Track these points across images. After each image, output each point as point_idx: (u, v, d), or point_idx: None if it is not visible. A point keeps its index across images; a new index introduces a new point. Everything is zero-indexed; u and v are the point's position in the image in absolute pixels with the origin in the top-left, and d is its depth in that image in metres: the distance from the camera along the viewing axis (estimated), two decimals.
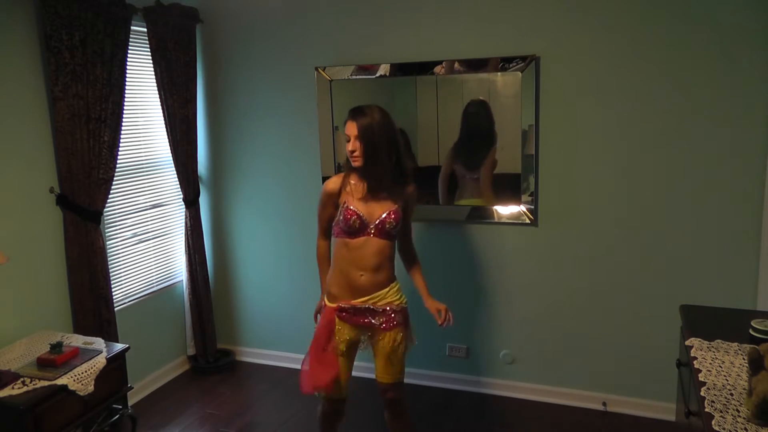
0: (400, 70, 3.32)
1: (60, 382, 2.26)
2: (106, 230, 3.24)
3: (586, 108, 3.06)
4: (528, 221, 3.22)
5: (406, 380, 2.54)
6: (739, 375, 1.73)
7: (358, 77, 3.41)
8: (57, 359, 2.35)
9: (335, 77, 3.45)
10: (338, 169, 3.46)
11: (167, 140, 3.54)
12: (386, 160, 2.34)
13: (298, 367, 2.54)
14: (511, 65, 3.10)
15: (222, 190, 3.90)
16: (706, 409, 1.57)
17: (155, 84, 3.43)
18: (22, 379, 2.25)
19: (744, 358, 1.79)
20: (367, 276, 2.39)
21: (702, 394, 1.65)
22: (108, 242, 3.25)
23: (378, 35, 3.36)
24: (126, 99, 3.12)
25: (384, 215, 2.37)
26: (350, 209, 2.36)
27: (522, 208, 3.22)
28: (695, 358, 1.86)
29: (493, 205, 3.27)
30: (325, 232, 2.56)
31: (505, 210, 3.26)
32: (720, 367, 1.79)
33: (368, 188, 2.36)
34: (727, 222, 2.91)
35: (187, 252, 3.75)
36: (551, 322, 3.31)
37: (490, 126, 3.20)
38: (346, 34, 3.43)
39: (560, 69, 3.06)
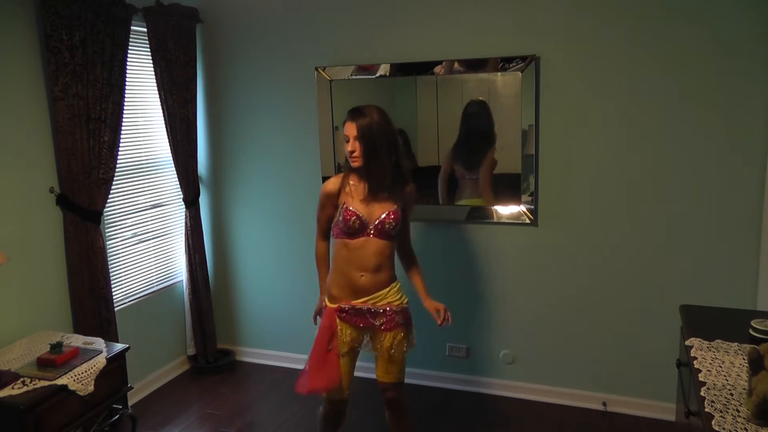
0: (400, 70, 3.32)
1: (60, 382, 2.26)
2: (106, 230, 3.24)
3: (587, 108, 3.06)
4: (528, 221, 3.22)
5: (406, 380, 2.54)
6: (739, 375, 1.73)
7: (358, 77, 3.41)
8: (57, 359, 2.35)
9: (335, 77, 3.45)
10: (338, 169, 3.46)
11: (167, 140, 3.54)
12: (386, 160, 2.34)
13: (298, 367, 2.55)
14: (511, 65, 3.10)
15: (222, 190, 3.90)
16: (706, 409, 1.57)
17: (155, 84, 3.43)
18: (22, 379, 2.25)
19: (744, 358, 1.79)
20: (367, 276, 2.38)
21: (702, 394, 1.65)
22: (108, 242, 3.25)
23: (378, 35, 3.36)
24: (126, 99, 3.12)
25: (383, 215, 2.37)
26: (350, 210, 2.36)
27: (522, 208, 3.22)
28: (695, 358, 1.86)
29: (493, 205, 3.27)
30: (324, 233, 2.56)
31: (506, 210, 3.26)
32: (720, 367, 1.79)
33: (369, 189, 2.36)
34: (727, 222, 2.91)
35: (187, 252, 3.75)
36: (551, 322, 3.31)
37: (489, 126, 3.20)
38: (346, 34, 3.43)
39: (560, 69, 3.06)
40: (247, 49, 3.67)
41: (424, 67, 3.26)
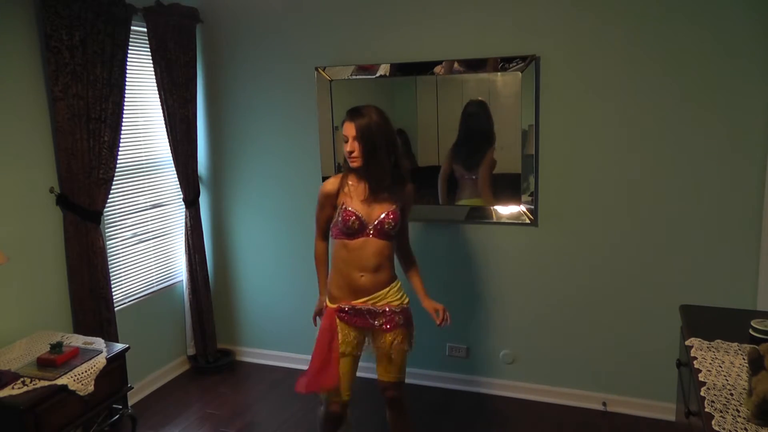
0: (400, 70, 3.32)
1: (60, 382, 2.26)
2: (106, 230, 3.24)
3: (587, 108, 3.06)
4: (528, 221, 3.22)
5: (406, 380, 2.54)
6: (739, 375, 1.73)
7: (358, 77, 3.41)
8: (57, 359, 2.35)
9: (335, 77, 3.45)
10: (338, 169, 3.46)
11: (167, 140, 3.54)
12: (385, 160, 2.34)
13: (298, 367, 2.55)
14: (510, 65, 3.10)
15: (222, 190, 3.90)
16: (706, 409, 1.57)
17: (155, 84, 3.43)
18: (22, 379, 2.25)
19: (744, 358, 1.79)
20: (367, 277, 2.38)
21: (702, 394, 1.65)
22: (108, 242, 3.25)
23: (378, 35, 3.36)
24: (126, 99, 3.12)
25: (383, 215, 2.37)
26: (349, 210, 2.35)
27: (522, 208, 3.22)
28: (695, 358, 1.86)
29: (493, 205, 3.27)
30: (323, 234, 2.56)
31: (505, 210, 3.26)
32: (720, 367, 1.79)
33: (368, 189, 2.36)
34: (727, 222, 2.91)
35: (187, 252, 3.75)
36: (551, 321, 3.31)
37: (489, 126, 3.20)
38: (346, 34, 3.43)
39: (560, 69, 3.06)
40: (247, 49, 3.67)
41: (424, 67, 3.26)
